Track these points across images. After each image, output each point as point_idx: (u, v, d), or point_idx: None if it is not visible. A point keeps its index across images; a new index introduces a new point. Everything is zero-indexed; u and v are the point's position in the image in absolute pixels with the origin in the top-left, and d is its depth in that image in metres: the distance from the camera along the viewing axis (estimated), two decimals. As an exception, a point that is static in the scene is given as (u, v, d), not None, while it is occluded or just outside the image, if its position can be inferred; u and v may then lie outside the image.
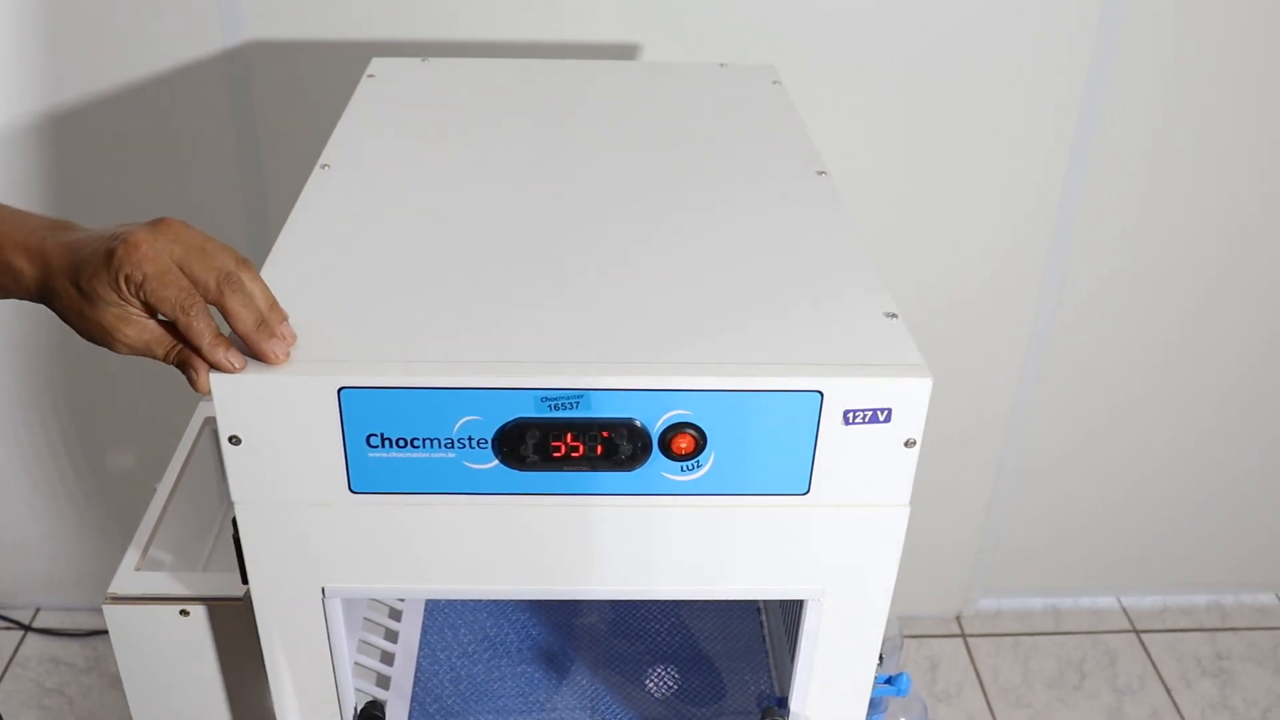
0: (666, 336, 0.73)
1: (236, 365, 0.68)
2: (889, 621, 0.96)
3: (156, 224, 0.68)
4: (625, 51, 1.52)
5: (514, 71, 1.21)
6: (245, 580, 0.77)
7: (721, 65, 1.23)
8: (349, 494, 0.72)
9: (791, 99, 1.14)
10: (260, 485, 0.72)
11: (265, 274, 0.78)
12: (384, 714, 0.87)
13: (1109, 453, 1.94)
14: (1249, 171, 1.68)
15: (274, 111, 1.54)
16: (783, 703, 0.86)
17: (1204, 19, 1.55)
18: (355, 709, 0.85)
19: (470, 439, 0.70)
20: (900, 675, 0.91)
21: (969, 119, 1.59)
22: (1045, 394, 1.84)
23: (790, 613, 0.93)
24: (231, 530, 0.75)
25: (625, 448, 0.70)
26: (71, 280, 0.68)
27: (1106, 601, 2.10)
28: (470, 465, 0.71)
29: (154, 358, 0.69)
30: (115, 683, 1.84)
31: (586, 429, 0.70)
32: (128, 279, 0.66)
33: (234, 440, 0.70)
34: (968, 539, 1.99)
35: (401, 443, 0.70)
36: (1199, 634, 2.05)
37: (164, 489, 0.97)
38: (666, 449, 0.71)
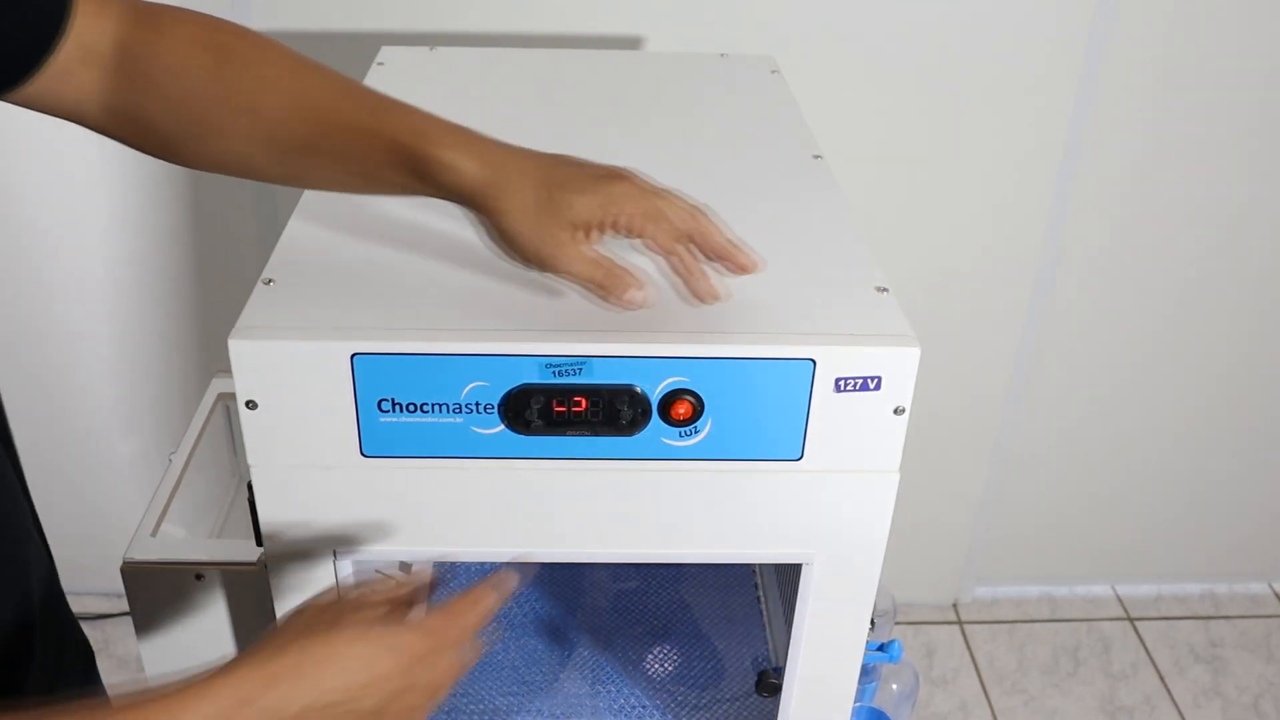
0: (666, 306, 0.75)
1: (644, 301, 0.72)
2: (882, 592, 0.98)
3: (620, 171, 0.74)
4: (629, 45, 1.55)
5: (520, 60, 1.23)
6: (260, 543, 0.79)
7: (722, 56, 1.26)
8: (361, 458, 0.75)
9: (789, 87, 1.17)
10: (276, 449, 0.75)
11: (280, 245, 0.81)
12: (392, 677, 0.90)
13: (1103, 443, 1.96)
14: (1243, 157, 1.70)
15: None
16: (778, 669, 0.89)
17: (1198, 8, 1.57)
18: (364, 671, 0.88)
19: (477, 404, 0.73)
20: (892, 642, 0.94)
21: (964, 111, 1.61)
22: (1039, 384, 1.87)
23: (785, 579, 0.95)
24: (247, 495, 0.78)
25: (626, 413, 0.73)
26: (544, 187, 0.71)
27: (1101, 590, 2.13)
28: (477, 430, 0.74)
29: (581, 279, 0.72)
30: (124, 665, 1.87)
31: (589, 395, 0.73)
32: (618, 214, 0.70)
33: (251, 405, 0.73)
34: (964, 528, 2.01)
35: (411, 408, 0.73)
36: (1192, 622, 2.08)
37: (178, 460, 1.00)
38: (665, 415, 0.73)
